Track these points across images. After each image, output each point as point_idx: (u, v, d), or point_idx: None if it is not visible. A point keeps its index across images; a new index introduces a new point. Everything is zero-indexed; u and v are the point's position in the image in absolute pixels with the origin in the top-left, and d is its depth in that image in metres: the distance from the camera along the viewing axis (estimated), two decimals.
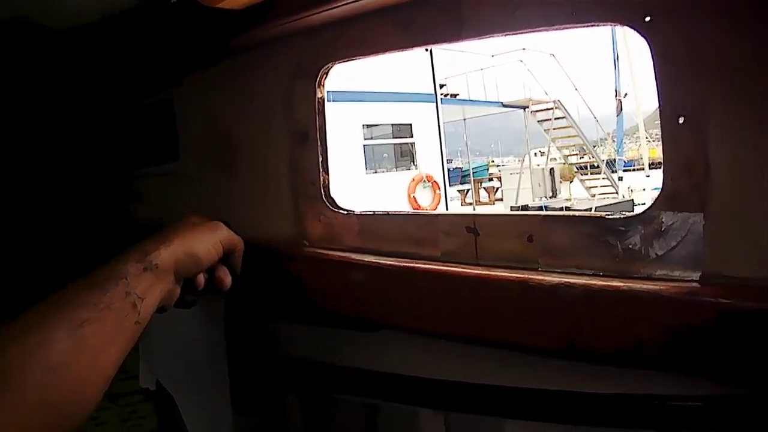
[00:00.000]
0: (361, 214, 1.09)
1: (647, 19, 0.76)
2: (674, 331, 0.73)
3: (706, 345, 0.71)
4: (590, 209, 12.13)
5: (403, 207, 14.18)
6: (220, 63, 1.36)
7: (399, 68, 14.80)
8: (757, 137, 0.70)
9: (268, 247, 1.20)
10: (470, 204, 21.25)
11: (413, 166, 15.69)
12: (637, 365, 0.79)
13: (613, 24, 0.81)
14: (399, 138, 15.68)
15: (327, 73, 1.12)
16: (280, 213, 1.20)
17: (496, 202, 21.85)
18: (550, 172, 18.63)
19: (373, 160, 15.18)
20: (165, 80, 1.56)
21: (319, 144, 1.12)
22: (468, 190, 22.49)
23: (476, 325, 0.91)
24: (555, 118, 19.08)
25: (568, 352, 0.83)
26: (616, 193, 17.32)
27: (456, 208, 20.58)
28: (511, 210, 15.76)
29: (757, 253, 0.71)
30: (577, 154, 21.49)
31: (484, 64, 19.87)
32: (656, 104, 0.77)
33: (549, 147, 20.31)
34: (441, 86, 17.43)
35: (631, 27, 0.78)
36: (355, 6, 1.01)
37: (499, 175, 22.75)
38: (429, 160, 15.69)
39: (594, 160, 19.85)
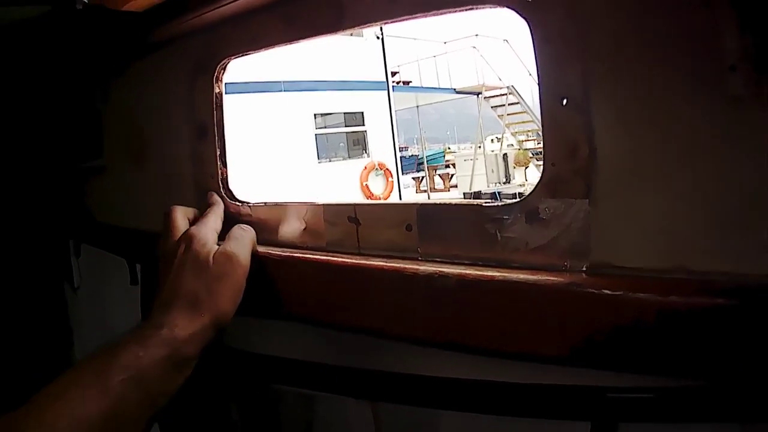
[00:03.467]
0: (254, 205, 1.11)
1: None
2: (557, 323, 0.71)
3: (591, 338, 0.68)
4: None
5: (356, 196, 14.18)
6: (134, 63, 1.39)
7: (351, 56, 14.77)
8: (644, 118, 0.67)
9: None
10: (424, 191, 21.31)
11: (365, 155, 15.68)
12: (519, 358, 0.76)
13: (493, 6, 0.78)
14: (351, 126, 15.66)
15: (224, 69, 1.14)
16: (183, 204, 1.22)
17: (451, 188, 21.91)
18: (504, 158, 18.75)
19: (326, 149, 15.14)
20: (87, 81, 1.58)
21: (217, 137, 1.14)
22: (423, 178, 22.52)
23: (362, 315, 0.92)
24: (509, 104, 19.17)
25: (447, 345, 0.82)
26: None
27: (410, 195, 20.61)
28: (464, 196, 15.82)
29: (647, 241, 0.68)
30: (533, 140, 21.57)
31: (436, 51, 19.88)
32: None
33: (503, 133, 20.41)
34: (393, 74, 17.43)
35: (511, 8, 0.75)
36: (246, 2, 1.03)
37: (454, 162, 22.76)
38: (382, 148, 15.70)
39: None
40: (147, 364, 0.78)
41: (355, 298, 0.92)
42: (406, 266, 0.86)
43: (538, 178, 0.76)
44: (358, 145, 15.79)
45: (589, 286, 0.69)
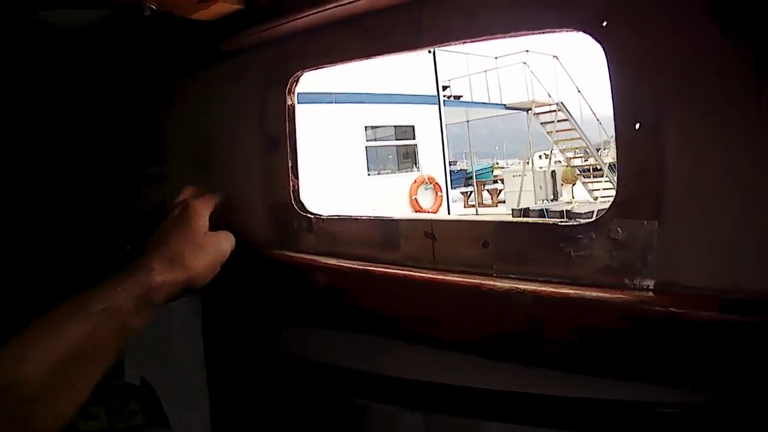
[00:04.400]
0: (327, 218, 1.11)
1: (604, 24, 0.75)
2: (626, 339, 0.73)
3: (659, 354, 0.71)
4: (592, 212, 12.10)
5: (405, 209, 14.17)
6: (201, 73, 1.40)
7: (403, 70, 14.78)
8: (713, 144, 0.69)
9: (243, 248, 1.22)
10: (473, 206, 21.21)
11: (415, 168, 15.68)
12: (586, 372, 0.79)
13: (570, 30, 0.80)
14: (401, 140, 15.67)
15: (297, 81, 1.14)
16: (253, 216, 1.23)
17: (498, 204, 21.79)
18: (552, 174, 18.60)
19: (375, 162, 15.17)
20: (152, 89, 1.60)
21: (289, 150, 1.15)
22: (471, 192, 22.42)
23: (434, 327, 0.93)
24: (558, 121, 19.02)
25: (519, 356, 0.84)
26: None
27: (459, 209, 20.54)
28: (512, 213, 15.74)
29: (712, 261, 0.70)
30: (580, 157, 21.38)
31: (487, 66, 19.83)
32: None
33: (552, 150, 20.25)
34: (444, 88, 17.41)
35: (586, 32, 0.77)
36: (321, 16, 1.03)
37: (502, 177, 22.65)
38: (431, 162, 15.67)
39: (597, 162, 19.77)
40: (123, 299, 0.87)
41: (429, 312, 0.93)
42: (483, 282, 0.87)
43: (611, 200, 0.78)
44: (408, 158, 15.80)
45: (656, 305, 0.71)
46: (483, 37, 0.90)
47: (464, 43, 0.93)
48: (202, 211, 1.04)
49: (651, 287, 0.74)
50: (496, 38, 0.89)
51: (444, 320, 0.92)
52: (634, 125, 0.74)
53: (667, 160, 0.72)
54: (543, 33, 0.83)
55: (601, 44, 0.76)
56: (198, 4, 1.04)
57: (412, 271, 0.96)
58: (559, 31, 0.82)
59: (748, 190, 0.66)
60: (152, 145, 1.59)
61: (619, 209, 0.77)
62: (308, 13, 1.03)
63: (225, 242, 1.05)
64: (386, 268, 0.99)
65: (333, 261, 1.04)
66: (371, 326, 1.01)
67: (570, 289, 0.79)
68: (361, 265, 1.02)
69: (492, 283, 0.86)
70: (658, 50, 0.72)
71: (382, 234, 1.03)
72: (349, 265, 1.03)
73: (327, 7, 1.01)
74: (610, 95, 0.76)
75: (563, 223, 0.83)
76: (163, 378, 1.71)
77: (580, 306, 0.77)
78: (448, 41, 0.94)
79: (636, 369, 0.74)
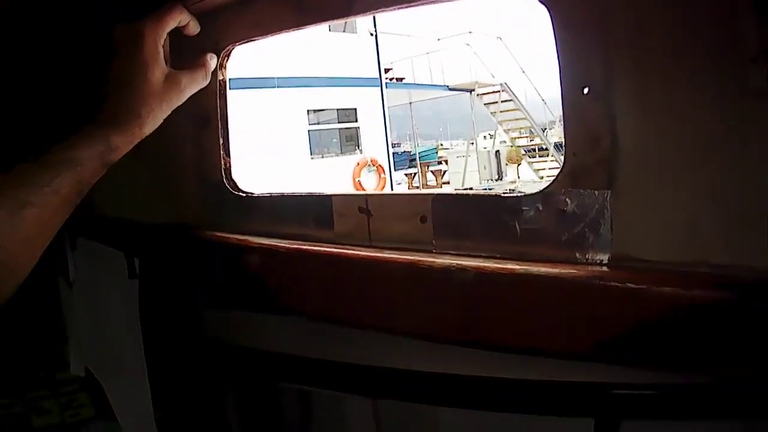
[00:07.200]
0: (260, 196, 1.08)
1: None
2: (578, 318, 0.69)
3: (614, 332, 0.67)
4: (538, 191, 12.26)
5: (349, 191, 14.22)
6: None
7: (345, 53, 14.78)
8: (666, 109, 0.66)
9: (176, 229, 1.19)
10: (417, 188, 21.29)
11: (358, 151, 15.70)
12: (538, 354, 0.75)
13: None
14: (344, 122, 15.68)
15: (228, 56, 1.10)
16: (185, 195, 1.19)
17: (443, 185, 21.91)
18: (496, 154, 18.77)
19: (318, 145, 15.15)
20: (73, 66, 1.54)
21: (220, 127, 1.11)
22: (415, 174, 22.51)
23: (373, 311, 0.89)
24: (502, 101, 19.18)
25: (462, 341, 0.79)
26: None
27: (403, 191, 20.62)
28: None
29: (669, 234, 0.66)
30: (526, 137, 21.62)
31: (430, 48, 19.87)
32: None
33: (496, 130, 20.43)
34: (387, 70, 17.43)
35: None
36: None
37: (447, 159, 22.78)
38: (374, 145, 15.72)
39: (543, 142, 20.02)
40: (86, 156, 0.87)
41: (365, 293, 0.89)
42: (421, 259, 0.83)
43: (559, 168, 0.74)
44: (351, 141, 15.82)
45: (612, 280, 0.67)
46: (421, 2, 0.84)
47: (399, 8, 0.87)
48: (156, 45, 0.97)
49: (605, 262, 0.70)
50: (434, 3, 0.84)
51: (381, 300, 0.88)
52: (582, 90, 0.70)
53: (619, 127, 0.68)
54: None
55: (546, 6, 0.72)
56: None
57: (346, 249, 0.93)
58: None
59: (711, 159, 0.63)
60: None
61: (568, 178, 0.72)
62: None
63: (187, 85, 1.00)
64: (320, 246, 0.96)
65: (265, 241, 1.00)
66: (306, 308, 0.98)
67: (516, 264, 0.75)
68: (294, 245, 0.99)
69: (431, 260, 0.81)
70: (607, 12, 0.68)
71: (316, 211, 1.00)
72: (280, 245, 1.00)
73: None
74: (556, 59, 0.72)
75: (507, 195, 0.79)
76: (106, 368, 1.67)
77: (528, 283, 0.72)
78: (381, 8, 0.90)
79: (590, 348, 0.70)
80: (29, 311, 1.88)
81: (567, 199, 0.73)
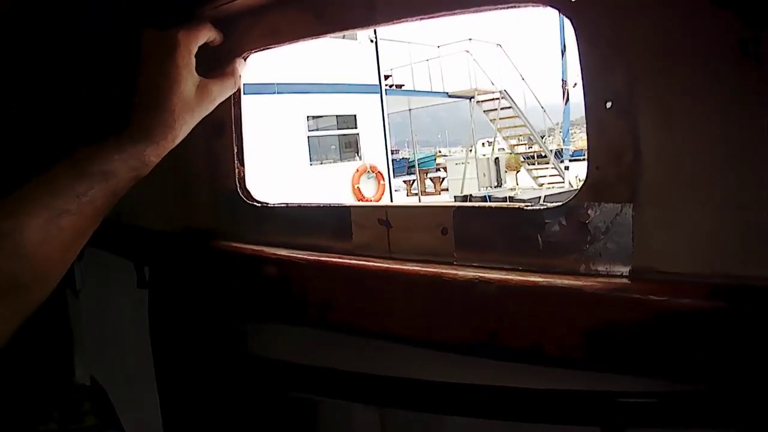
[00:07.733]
0: (275, 207, 1.06)
1: None
2: (600, 329, 0.68)
3: (635, 344, 0.67)
4: (537, 198, 12.26)
5: (348, 198, 14.22)
6: None
7: (345, 60, 14.80)
8: (689, 123, 0.65)
9: (189, 238, 1.18)
10: (415, 194, 21.33)
11: (357, 158, 15.71)
12: (561, 365, 0.74)
13: (537, 5, 0.76)
14: (343, 129, 15.69)
15: (244, 62, 1.09)
16: (197, 204, 1.18)
17: (441, 192, 21.96)
18: (495, 161, 18.81)
19: (317, 151, 15.16)
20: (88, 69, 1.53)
21: (234, 135, 1.10)
22: (414, 181, 22.54)
23: (392, 321, 0.88)
24: (501, 108, 19.23)
25: (485, 350, 0.79)
26: (563, 182, 17.50)
27: (402, 198, 20.65)
28: (455, 200, 15.87)
29: (690, 246, 0.66)
30: (524, 144, 21.69)
31: (430, 55, 19.92)
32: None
33: (495, 137, 20.48)
34: (386, 77, 17.46)
35: (555, 8, 0.73)
36: None
37: (445, 165, 22.83)
38: (373, 151, 15.73)
39: (541, 149, 20.06)
40: (119, 167, 0.87)
41: (387, 304, 0.88)
42: (445, 271, 0.82)
43: (582, 181, 0.74)
44: (350, 147, 15.81)
45: (634, 292, 0.67)
46: (444, 13, 0.84)
47: (421, 19, 0.87)
48: (190, 56, 0.95)
49: (626, 274, 0.70)
50: (457, 14, 0.83)
51: (403, 312, 0.86)
52: (605, 104, 0.70)
53: (642, 141, 0.68)
54: (508, 8, 0.79)
55: (570, 20, 0.72)
56: None
57: (366, 260, 0.92)
58: (525, 6, 0.78)
59: (732, 172, 0.63)
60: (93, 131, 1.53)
61: (591, 192, 0.73)
62: None
63: (218, 94, 0.99)
64: (338, 258, 0.95)
65: (282, 251, 0.99)
66: (324, 320, 0.96)
67: (539, 277, 0.74)
68: (312, 256, 0.97)
69: (454, 272, 0.81)
70: (630, 25, 0.68)
71: (334, 222, 0.99)
72: (298, 256, 0.98)
73: None
74: (580, 73, 0.72)
75: (529, 208, 0.78)
76: (112, 377, 1.66)
77: (551, 295, 0.72)
78: (404, 18, 0.89)
79: (611, 359, 0.70)
80: (34, 321, 1.86)
81: (589, 212, 0.73)
